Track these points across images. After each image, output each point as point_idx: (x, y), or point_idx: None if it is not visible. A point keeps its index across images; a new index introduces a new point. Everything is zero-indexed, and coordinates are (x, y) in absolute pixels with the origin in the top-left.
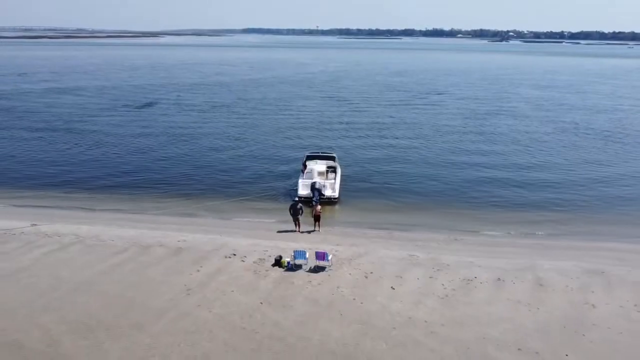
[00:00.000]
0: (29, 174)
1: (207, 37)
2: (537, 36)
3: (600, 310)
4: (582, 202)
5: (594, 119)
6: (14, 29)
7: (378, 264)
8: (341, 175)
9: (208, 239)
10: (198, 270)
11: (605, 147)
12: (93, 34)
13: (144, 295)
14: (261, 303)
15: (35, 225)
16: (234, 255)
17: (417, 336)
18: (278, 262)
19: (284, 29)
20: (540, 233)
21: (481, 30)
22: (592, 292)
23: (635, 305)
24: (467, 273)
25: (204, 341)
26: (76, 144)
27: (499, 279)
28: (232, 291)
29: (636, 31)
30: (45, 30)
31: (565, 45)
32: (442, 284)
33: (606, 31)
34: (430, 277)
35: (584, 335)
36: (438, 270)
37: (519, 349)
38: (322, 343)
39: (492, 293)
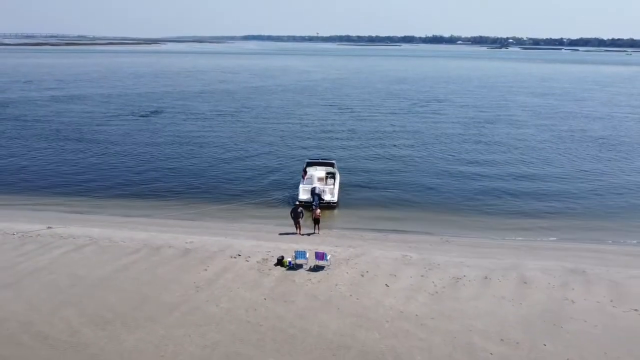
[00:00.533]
0: (42, 180)
1: (208, 43)
2: (536, 43)
3: (578, 305)
4: (572, 210)
5: (589, 127)
6: (16, 36)
7: (373, 264)
8: (340, 181)
9: (214, 240)
10: (205, 269)
11: (599, 155)
12: (94, 41)
13: (157, 291)
14: (265, 299)
15: (50, 228)
16: (239, 255)
17: (408, 328)
18: (280, 262)
19: (284, 36)
20: (527, 237)
21: (480, 37)
22: (572, 289)
23: (611, 301)
24: (457, 272)
25: (213, 332)
26: (86, 152)
27: (486, 277)
28: (238, 288)
29: (635, 38)
30: (46, 37)
31: (564, 52)
32: (433, 282)
33: (605, 38)
34: (422, 276)
35: (561, 327)
36: (429, 269)
37: (501, 339)
38: (321, 334)
39: (479, 290)
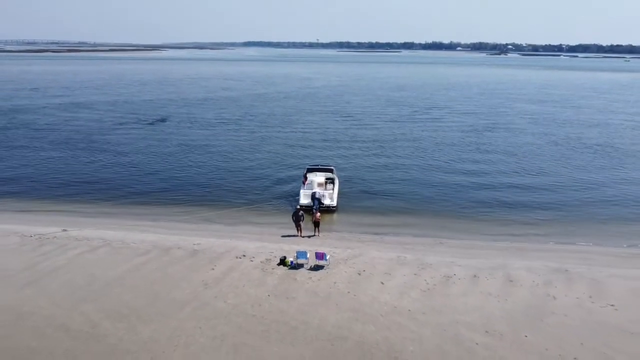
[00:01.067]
0: (55, 187)
1: (208, 50)
2: (535, 49)
3: (559, 301)
4: (562, 217)
5: (585, 134)
6: (17, 42)
7: (370, 264)
8: (339, 186)
9: (220, 242)
10: (213, 269)
11: (593, 163)
12: (95, 47)
13: (168, 289)
14: (268, 295)
15: (65, 230)
16: (244, 256)
17: (401, 321)
18: (282, 262)
19: (284, 42)
20: (516, 241)
21: (480, 43)
22: (555, 286)
23: (590, 297)
24: (448, 271)
25: (222, 325)
26: (96, 160)
27: (474, 276)
28: (244, 285)
29: (634, 44)
30: (48, 43)
31: (563, 58)
32: (425, 280)
33: (604, 44)
34: (415, 274)
35: (542, 320)
36: (422, 268)
37: (486, 331)
38: (321, 326)
39: (467, 287)
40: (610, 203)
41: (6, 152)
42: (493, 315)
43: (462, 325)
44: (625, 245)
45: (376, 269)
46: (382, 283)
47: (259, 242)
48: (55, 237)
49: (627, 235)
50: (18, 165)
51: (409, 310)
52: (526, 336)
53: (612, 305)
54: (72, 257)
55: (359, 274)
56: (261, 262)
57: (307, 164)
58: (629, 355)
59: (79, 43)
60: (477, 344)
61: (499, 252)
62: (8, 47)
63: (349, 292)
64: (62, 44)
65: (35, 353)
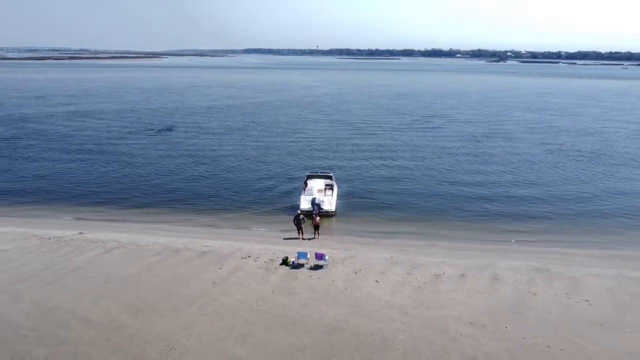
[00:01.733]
0: (70, 191)
1: (209, 57)
2: (534, 56)
3: (538, 297)
4: (550, 223)
5: (580, 142)
6: (19, 50)
7: (366, 264)
8: (337, 192)
9: (226, 244)
10: (220, 268)
11: (586, 170)
12: (96, 55)
13: (179, 286)
14: (272, 292)
15: (81, 233)
16: (249, 257)
17: (393, 315)
18: (285, 262)
19: (284, 49)
20: (504, 245)
21: (479, 50)
22: (536, 284)
23: (567, 294)
24: (438, 270)
25: (229, 318)
26: (107, 166)
27: (462, 275)
28: (249, 283)
29: (632, 51)
30: (49, 50)
31: (562, 65)
32: (416, 278)
33: (603, 51)
34: (407, 273)
35: (522, 314)
36: (414, 267)
37: (470, 323)
38: (320, 319)
39: (455, 285)
40: (600, 212)
41: (18, 163)
42: (477, 310)
43: (448, 318)
44: (605, 248)
45: (371, 268)
46: (376, 281)
47: (263, 244)
48: (72, 239)
49: (617, 241)
50: (31, 175)
51: (401, 305)
52: (506, 327)
53: (587, 300)
54: (89, 258)
55: (356, 273)
56: (265, 262)
57: (307, 170)
58: (599, 345)
59: (80, 50)
60: (461, 334)
61: (487, 254)
62: (10, 55)
63: (346, 289)
64: (63, 51)
65: (63, 342)
